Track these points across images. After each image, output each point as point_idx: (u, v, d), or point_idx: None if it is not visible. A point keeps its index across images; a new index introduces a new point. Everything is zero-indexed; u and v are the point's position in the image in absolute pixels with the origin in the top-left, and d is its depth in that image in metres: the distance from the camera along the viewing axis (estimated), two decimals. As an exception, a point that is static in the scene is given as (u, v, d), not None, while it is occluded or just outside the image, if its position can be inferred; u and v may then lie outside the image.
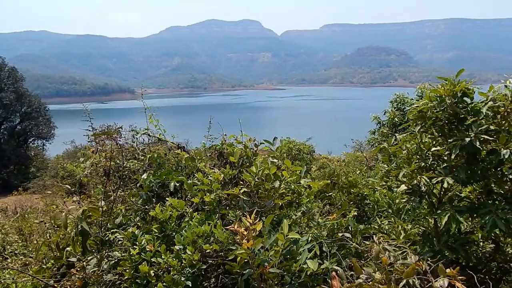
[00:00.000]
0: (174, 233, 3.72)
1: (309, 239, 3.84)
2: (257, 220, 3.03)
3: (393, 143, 5.13)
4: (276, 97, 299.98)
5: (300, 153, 17.89)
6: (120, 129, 5.27)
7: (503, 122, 4.37)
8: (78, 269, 3.10)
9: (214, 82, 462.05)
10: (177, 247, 3.37)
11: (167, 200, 4.01)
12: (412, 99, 12.40)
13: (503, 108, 4.38)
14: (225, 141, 4.76)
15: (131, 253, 3.38)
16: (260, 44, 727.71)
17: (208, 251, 3.35)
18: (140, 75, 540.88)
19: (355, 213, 5.25)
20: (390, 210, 5.82)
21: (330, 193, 6.94)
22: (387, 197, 6.38)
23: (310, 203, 4.90)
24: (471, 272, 3.09)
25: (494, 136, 4.32)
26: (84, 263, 3.16)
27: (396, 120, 12.58)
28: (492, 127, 4.35)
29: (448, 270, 2.71)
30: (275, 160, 4.48)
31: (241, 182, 4.12)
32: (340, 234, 4.29)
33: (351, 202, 6.85)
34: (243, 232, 2.91)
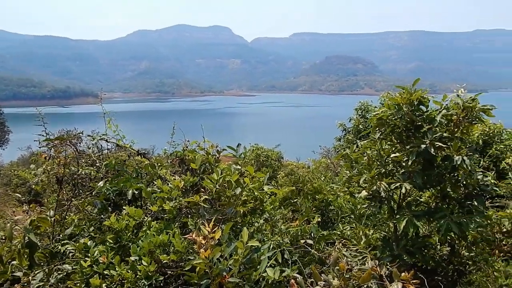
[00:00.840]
0: (130, 244, 3.59)
1: (271, 246, 3.82)
2: (216, 228, 2.97)
3: (355, 149, 5.23)
4: (246, 104, 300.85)
5: (268, 160, 17.94)
6: (80, 134, 5.08)
7: (456, 129, 4.55)
8: (24, 284, 2.92)
9: (182, 88, 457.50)
10: (132, 258, 3.26)
11: (125, 209, 3.88)
12: (375, 107, 12.74)
13: (455, 116, 4.56)
14: (187, 147, 4.67)
15: (82, 266, 3.22)
16: (230, 51, 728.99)
17: (165, 261, 3.24)
18: (105, 79, 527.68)
19: (319, 219, 5.29)
20: (352, 216, 5.90)
21: (295, 200, 6.98)
22: (350, 203, 6.48)
23: (274, 210, 4.90)
24: (421, 276, 3.16)
25: (448, 143, 4.49)
26: (30, 277, 2.98)
27: (361, 127, 12.88)
28: (445, 135, 4.51)
29: (403, 274, 2.76)
30: (238, 167, 4.44)
31: (203, 190, 4.05)
32: (302, 241, 4.29)
33: (316, 208, 6.91)
34: (201, 241, 2.84)
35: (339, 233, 5.13)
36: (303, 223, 4.69)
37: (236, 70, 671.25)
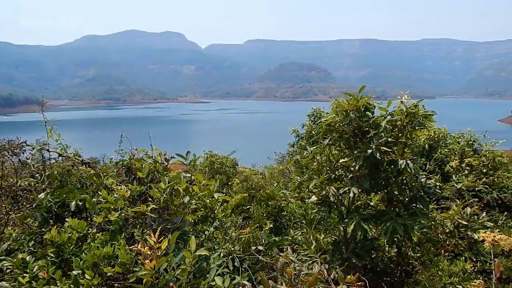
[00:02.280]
0: (73, 257, 3.45)
1: (221, 254, 3.83)
2: (162, 238, 2.94)
3: (305, 155, 5.37)
4: (201, 110, 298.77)
5: (223, 167, 17.88)
6: (23, 143, 4.84)
7: (400, 134, 4.81)
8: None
9: (134, 94, 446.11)
10: (75, 272, 3.14)
11: (68, 221, 3.73)
12: (327, 113, 13.12)
13: (400, 122, 4.83)
14: (134, 155, 4.58)
15: (20, 282, 3.06)
16: (183, 57, 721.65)
17: (110, 274, 3.15)
18: (52, 86, 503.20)
19: (271, 226, 5.37)
20: (304, 221, 6.04)
21: (248, 207, 7.02)
22: (302, 208, 6.62)
23: (226, 217, 4.91)
24: (364, 279, 3.29)
25: (393, 148, 4.74)
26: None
27: (313, 133, 13.19)
28: (390, 140, 4.76)
29: (348, 277, 2.87)
30: (188, 175, 4.42)
31: (150, 199, 3.99)
32: (253, 248, 4.33)
33: (269, 215, 6.99)
34: (146, 251, 2.80)
35: (290, 238, 5.23)
36: (255, 230, 4.74)
37: (190, 77, 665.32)
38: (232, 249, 4.17)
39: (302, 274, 2.91)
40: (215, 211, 4.63)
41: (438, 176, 9.43)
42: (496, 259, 3.42)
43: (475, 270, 5.92)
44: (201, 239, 4.18)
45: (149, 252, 2.82)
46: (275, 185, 8.02)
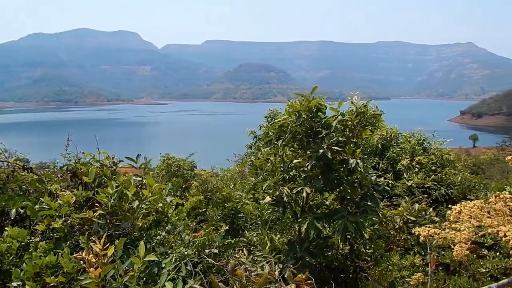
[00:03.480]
0: (14, 268, 3.28)
1: (174, 259, 3.79)
2: (108, 245, 2.86)
3: (259, 156, 5.43)
4: (157, 112, 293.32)
5: (180, 170, 17.68)
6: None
7: (351, 134, 4.98)
8: None
9: (87, 96, 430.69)
10: (14, 284, 2.98)
11: (6, 230, 3.54)
12: (284, 114, 13.26)
13: (350, 122, 5.00)
14: (79, 159, 4.42)
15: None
16: (138, 57, 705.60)
17: (53, 284, 3.03)
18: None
19: (227, 228, 5.38)
20: (260, 222, 6.09)
21: (204, 209, 6.99)
22: (259, 209, 6.68)
23: (180, 221, 4.85)
24: (310, 276, 3.38)
25: (344, 147, 4.90)
26: None
27: (270, 134, 13.28)
28: (342, 139, 4.92)
29: (298, 276, 2.94)
30: (139, 179, 4.34)
31: (98, 204, 3.87)
32: (207, 251, 4.32)
33: (226, 217, 6.99)
34: (91, 259, 2.72)
35: (245, 240, 5.26)
36: (211, 232, 4.72)
37: (146, 77, 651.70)
38: (186, 253, 4.13)
39: (253, 275, 2.94)
40: (169, 215, 4.57)
41: (391, 174, 9.83)
42: (432, 252, 3.63)
43: (424, 263, 6.24)
44: (153, 244, 4.11)
45: (94, 260, 2.74)
46: (231, 187, 8.03)
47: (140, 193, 3.81)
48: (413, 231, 2.33)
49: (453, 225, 2.17)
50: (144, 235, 4.24)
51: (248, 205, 7.00)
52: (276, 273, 3.01)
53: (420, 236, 2.28)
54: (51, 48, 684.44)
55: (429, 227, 2.45)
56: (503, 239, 1.92)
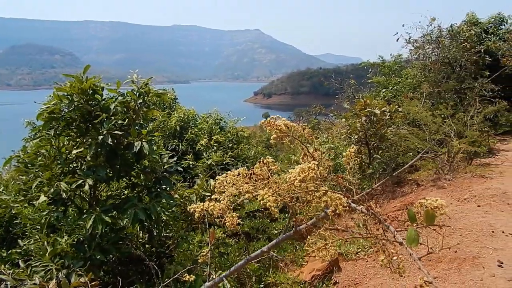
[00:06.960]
0: None
1: None
2: None
3: (27, 151, 4.73)
4: None
5: None
6: None
7: (135, 116, 4.82)
8: None
9: None
10: None
11: None
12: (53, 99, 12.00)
13: (133, 103, 4.83)
14: None
15: None
16: None
17: None
18: None
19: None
20: (39, 227, 5.37)
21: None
22: (40, 211, 5.88)
23: None
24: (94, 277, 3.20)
25: (128, 130, 4.71)
26: None
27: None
28: (125, 122, 4.71)
29: (80, 279, 2.68)
30: None
31: None
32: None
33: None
34: None
35: (19, 250, 4.56)
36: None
37: None
38: None
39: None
40: None
41: (191, 155, 10.18)
42: (211, 228, 3.90)
43: (228, 235, 6.73)
44: None
45: None
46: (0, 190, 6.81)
47: None
48: (188, 209, 2.37)
49: (213, 196, 2.30)
50: None
51: (27, 208, 6.08)
52: (52, 282, 2.67)
53: (195, 213, 2.34)
54: None
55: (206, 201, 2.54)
56: (261, 202, 2.11)
